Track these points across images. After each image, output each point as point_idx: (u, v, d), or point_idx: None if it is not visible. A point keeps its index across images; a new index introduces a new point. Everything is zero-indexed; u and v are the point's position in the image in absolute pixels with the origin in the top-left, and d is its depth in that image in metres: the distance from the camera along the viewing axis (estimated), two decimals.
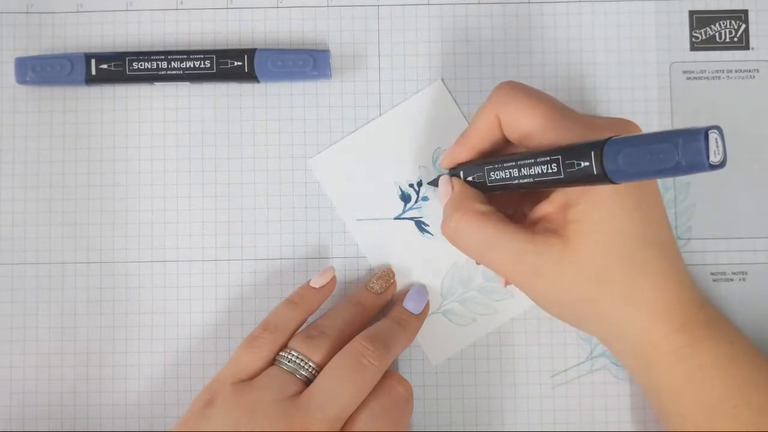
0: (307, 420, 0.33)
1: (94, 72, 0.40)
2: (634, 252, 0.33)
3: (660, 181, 0.40)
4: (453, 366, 0.40)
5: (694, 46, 0.41)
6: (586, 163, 0.29)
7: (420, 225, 0.41)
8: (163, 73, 0.40)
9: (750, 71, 0.41)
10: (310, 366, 0.35)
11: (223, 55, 0.40)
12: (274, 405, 0.33)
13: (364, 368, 0.34)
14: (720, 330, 0.35)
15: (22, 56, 0.41)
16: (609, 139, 0.29)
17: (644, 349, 0.34)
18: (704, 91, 0.41)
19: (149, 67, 0.40)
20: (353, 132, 0.41)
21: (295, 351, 0.35)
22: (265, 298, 0.40)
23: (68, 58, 0.40)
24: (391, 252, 0.41)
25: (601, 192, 0.32)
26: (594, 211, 0.32)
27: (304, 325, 0.38)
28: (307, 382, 0.35)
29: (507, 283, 0.39)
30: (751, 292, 0.40)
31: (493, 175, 0.35)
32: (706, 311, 0.35)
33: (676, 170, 0.26)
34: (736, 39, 0.41)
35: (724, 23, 0.41)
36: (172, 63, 0.40)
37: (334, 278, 0.39)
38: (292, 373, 0.35)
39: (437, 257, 0.40)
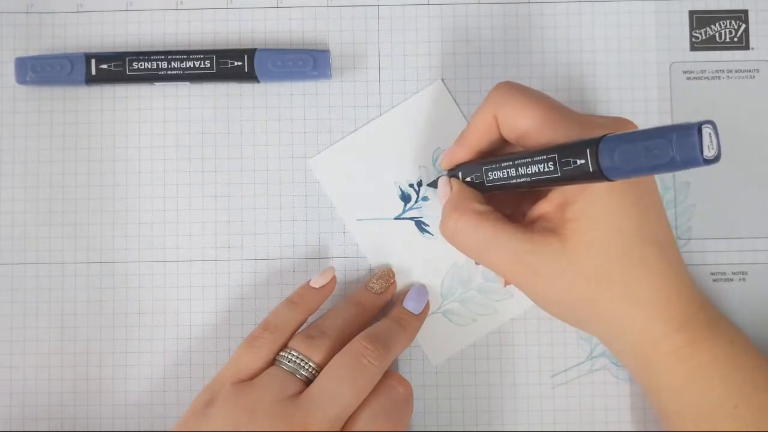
0: (307, 420, 0.33)
1: (94, 72, 0.40)
2: (633, 250, 0.33)
3: (660, 181, 0.40)
4: (453, 366, 0.40)
5: (694, 46, 0.41)
6: (582, 161, 0.29)
7: (420, 225, 0.41)
8: (163, 73, 0.40)
9: (750, 71, 0.41)
10: (310, 366, 0.35)
11: (223, 55, 0.40)
12: (274, 405, 0.33)
13: (364, 368, 0.34)
14: (720, 330, 0.35)
15: (22, 56, 0.41)
16: (604, 136, 0.29)
17: (644, 348, 0.34)
18: (704, 91, 0.41)
19: (149, 67, 0.40)
20: (353, 132, 0.41)
21: (295, 351, 0.35)
22: (265, 298, 0.40)
23: (68, 58, 0.40)
24: (391, 252, 0.41)
25: (599, 190, 0.32)
26: (591, 209, 0.32)
27: (304, 325, 0.38)
28: (307, 382, 0.35)
29: (506, 283, 0.39)
30: (751, 292, 0.40)
31: (491, 175, 0.35)
32: (706, 311, 0.35)
33: (671, 165, 0.26)
34: (736, 39, 0.41)
35: (724, 23, 0.41)
36: (172, 63, 0.40)
37: (334, 278, 0.39)
38: (292, 373, 0.35)
39: (437, 257, 0.40)
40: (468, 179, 0.37)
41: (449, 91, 0.41)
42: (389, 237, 0.41)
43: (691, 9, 0.41)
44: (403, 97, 0.41)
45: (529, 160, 0.32)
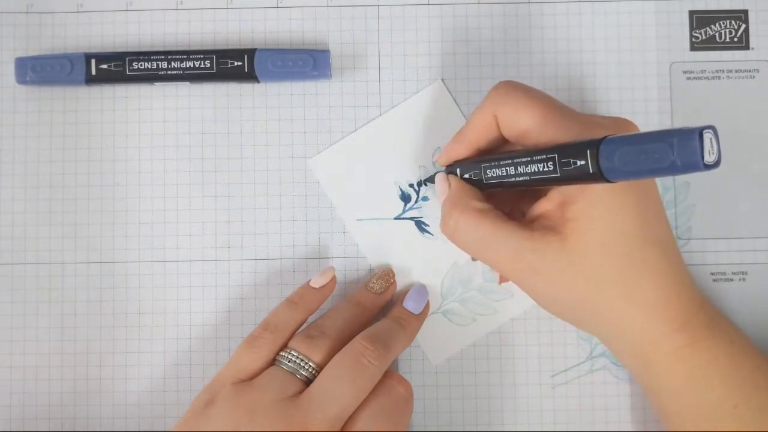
0: (307, 420, 0.33)
1: (94, 72, 0.40)
2: (633, 250, 0.33)
3: (660, 182, 0.40)
4: (453, 366, 0.40)
5: (694, 46, 0.41)
6: (582, 162, 0.29)
7: (420, 225, 0.41)
8: (163, 73, 0.40)
9: (750, 71, 0.41)
10: (310, 366, 0.35)
11: (223, 55, 0.40)
12: (274, 405, 0.33)
13: (364, 368, 0.34)
14: (720, 329, 0.35)
15: (22, 56, 0.41)
16: (605, 137, 0.29)
17: (644, 348, 0.34)
18: (704, 91, 0.41)
19: (149, 67, 0.40)
20: (353, 132, 0.41)
21: (295, 351, 0.35)
22: (265, 298, 0.40)
23: (68, 58, 0.40)
24: (391, 252, 0.41)
25: (599, 190, 0.32)
26: (592, 209, 0.32)
27: (304, 325, 0.38)
28: (308, 382, 0.35)
29: (502, 280, 0.39)
30: (751, 292, 0.40)
31: (490, 173, 0.35)
32: (705, 311, 0.35)
33: (671, 170, 0.26)
34: (736, 39, 0.41)
35: (724, 23, 0.41)
36: (172, 63, 0.40)
37: (334, 278, 0.39)
38: (292, 373, 0.35)
39: (437, 257, 0.40)
40: (466, 176, 0.37)
41: (449, 91, 0.41)
42: (389, 237, 0.41)
43: (691, 9, 0.41)
44: (403, 97, 0.41)
45: (529, 159, 0.32)
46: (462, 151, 0.37)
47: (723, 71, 0.41)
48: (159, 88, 0.41)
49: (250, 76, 0.40)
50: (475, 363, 0.40)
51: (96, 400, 0.40)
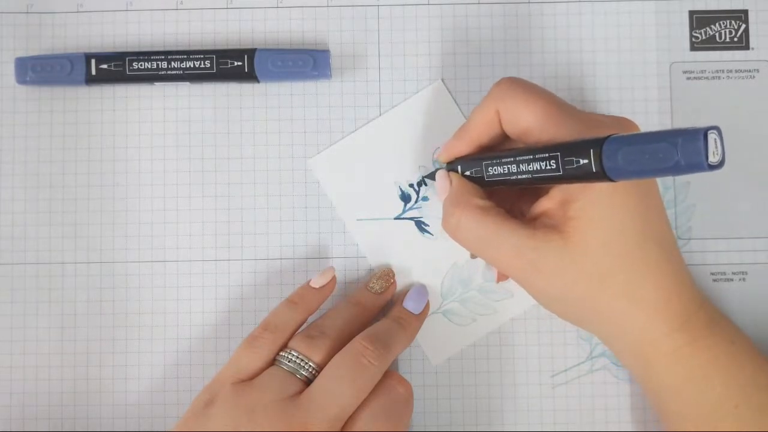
0: (307, 420, 0.33)
1: (94, 72, 0.40)
2: (634, 249, 0.33)
3: (660, 181, 0.40)
4: (453, 366, 0.40)
5: (694, 46, 0.41)
6: (585, 161, 0.29)
7: (420, 225, 0.41)
8: (163, 73, 0.40)
9: (750, 71, 0.41)
10: (310, 366, 0.35)
11: (223, 55, 0.40)
12: (274, 405, 0.33)
13: (364, 368, 0.34)
14: (720, 329, 0.35)
15: (22, 56, 0.41)
16: (608, 136, 0.29)
17: (644, 348, 0.34)
18: (704, 91, 0.41)
19: (149, 67, 0.40)
20: (353, 132, 0.41)
21: (296, 351, 0.35)
22: (265, 298, 0.40)
23: (68, 58, 0.40)
24: (391, 252, 0.41)
25: (601, 189, 0.32)
26: (593, 207, 0.32)
27: (305, 325, 0.38)
28: (308, 382, 0.35)
29: (500, 279, 0.39)
30: (751, 292, 0.40)
31: (491, 170, 0.35)
32: (706, 310, 0.35)
33: (675, 170, 0.26)
34: (736, 39, 0.41)
35: (724, 23, 0.41)
36: (172, 63, 0.40)
37: (334, 278, 0.39)
38: (292, 373, 0.35)
39: (437, 257, 0.40)
40: (467, 173, 0.37)
41: (449, 91, 0.41)
42: (389, 237, 0.41)
43: (691, 9, 0.41)
44: (403, 97, 0.41)
45: (531, 157, 0.32)
46: (463, 148, 0.37)
47: (723, 71, 0.41)
48: (159, 88, 0.41)
49: (250, 76, 0.40)
50: (475, 363, 0.40)
51: (96, 400, 0.40)
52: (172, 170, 0.41)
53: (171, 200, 0.41)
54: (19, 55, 0.41)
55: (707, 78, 0.41)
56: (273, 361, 0.36)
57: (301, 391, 0.34)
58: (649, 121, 0.41)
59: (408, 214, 0.41)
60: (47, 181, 0.41)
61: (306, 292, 0.38)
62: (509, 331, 0.40)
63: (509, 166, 0.34)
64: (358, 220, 0.41)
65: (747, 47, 0.41)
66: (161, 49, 0.41)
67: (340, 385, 0.34)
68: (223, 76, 0.40)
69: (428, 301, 0.39)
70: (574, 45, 0.41)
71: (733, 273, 0.40)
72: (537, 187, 0.35)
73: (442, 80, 0.41)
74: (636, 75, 0.41)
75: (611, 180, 0.29)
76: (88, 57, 0.40)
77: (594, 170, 0.29)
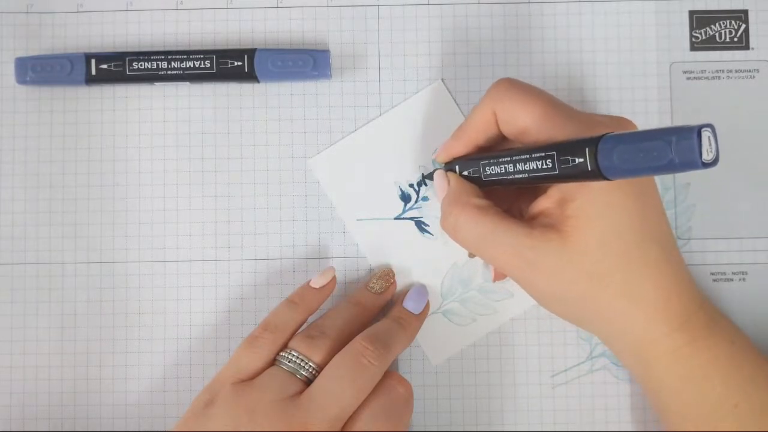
0: (307, 420, 0.33)
1: (94, 72, 0.40)
2: (632, 248, 0.33)
3: (660, 181, 0.40)
4: (453, 366, 0.40)
5: (694, 46, 0.41)
6: (581, 160, 0.29)
7: (420, 225, 0.41)
8: (163, 73, 0.40)
9: (750, 71, 0.41)
10: (310, 366, 0.35)
11: (223, 55, 0.40)
12: (274, 405, 0.33)
13: (364, 368, 0.34)
14: (720, 329, 0.35)
15: (22, 56, 0.41)
16: (603, 135, 0.29)
17: (644, 348, 0.34)
18: (704, 91, 0.41)
19: (149, 67, 0.40)
20: (353, 132, 0.41)
21: (296, 351, 0.35)
22: (265, 298, 0.40)
23: (68, 58, 0.40)
24: (391, 252, 0.41)
25: (598, 188, 0.32)
26: (591, 207, 0.32)
27: (305, 325, 0.38)
28: (308, 382, 0.35)
29: (496, 278, 0.39)
30: (751, 292, 0.40)
31: (489, 170, 0.35)
32: (705, 310, 0.35)
33: (670, 168, 0.26)
34: (736, 39, 0.41)
35: (724, 23, 0.41)
36: (172, 63, 0.40)
37: (334, 278, 0.39)
38: (293, 373, 0.35)
39: (437, 257, 0.40)
40: (465, 173, 0.37)
41: (449, 91, 0.41)
42: (389, 237, 0.41)
43: (691, 9, 0.41)
44: (403, 97, 0.41)
45: (528, 156, 0.32)
46: (461, 148, 0.37)
47: (723, 71, 0.41)
48: (159, 88, 0.41)
49: (250, 76, 0.40)
50: (475, 363, 0.40)
51: (96, 400, 0.40)
52: (172, 170, 0.41)
53: (171, 200, 0.41)
54: (19, 55, 0.41)
55: (707, 78, 0.41)
56: (273, 361, 0.36)
57: (301, 392, 0.34)
58: (649, 121, 0.41)
59: (408, 214, 0.41)
60: (47, 181, 0.41)
61: (306, 292, 0.38)
62: (509, 331, 0.40)
63: (506, 165, 0.34)
64: (358, 220, 0.41)
65: (747, 47, 0.41)
66: (161, 49, 0.41)
67: (341, 385, 0.34)
68: (223, 76, 0.40)
69: (428, 301, 0.39)
70: (574, 45, 0.41)
71: (733, 273, 0.40)
72: (535, 186, 0.35)
73: (442, 80, 0.41)
74: (636, 75, 0.41)
75: (607, 179, 0.29)
76: (88, 57, 0.40)
77: (589, 169, 0.29)
